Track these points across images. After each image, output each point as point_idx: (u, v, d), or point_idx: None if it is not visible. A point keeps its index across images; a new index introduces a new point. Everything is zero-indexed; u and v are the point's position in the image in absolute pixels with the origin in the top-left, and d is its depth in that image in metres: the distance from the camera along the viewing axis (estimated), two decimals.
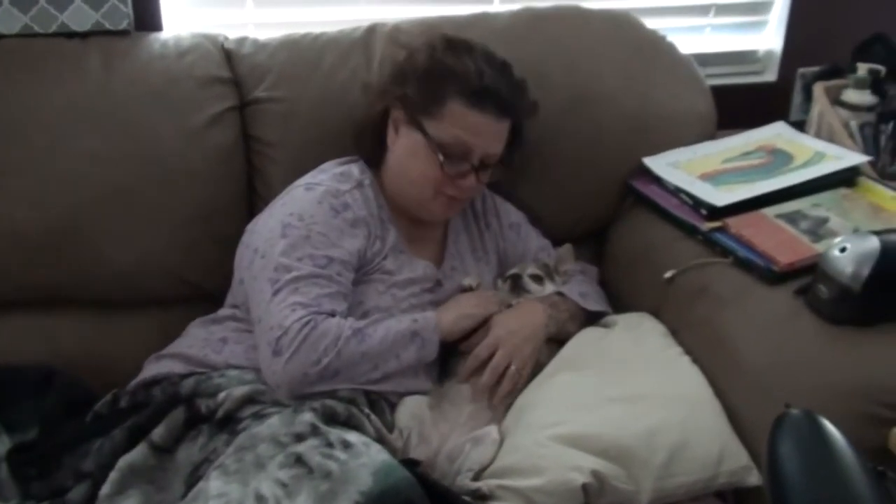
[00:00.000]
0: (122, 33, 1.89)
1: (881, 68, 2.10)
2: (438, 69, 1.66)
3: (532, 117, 1.77)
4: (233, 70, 1.90)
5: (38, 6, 1.83)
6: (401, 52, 1.80)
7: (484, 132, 1.66)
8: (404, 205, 1.72)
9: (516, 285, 1.76)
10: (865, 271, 1.44)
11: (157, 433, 1.46)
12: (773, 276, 1.61)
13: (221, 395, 1.49)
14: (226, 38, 1.96)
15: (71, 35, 1.86)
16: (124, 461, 1.43)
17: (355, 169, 1.72)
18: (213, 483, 1.33)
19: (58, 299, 1.82)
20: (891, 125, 2.08)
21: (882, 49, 2.19)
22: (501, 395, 1.61)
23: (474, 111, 1.63)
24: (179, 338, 1.71)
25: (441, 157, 1.63)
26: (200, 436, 1.47)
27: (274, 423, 1.41)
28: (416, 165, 1.67)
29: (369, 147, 1.75)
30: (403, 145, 1.68)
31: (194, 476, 1.41)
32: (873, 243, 1.46)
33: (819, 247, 1.63)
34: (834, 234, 1.67)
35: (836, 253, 1.48)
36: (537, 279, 1.78)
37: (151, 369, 1.64)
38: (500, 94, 1.66)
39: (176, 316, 1.79)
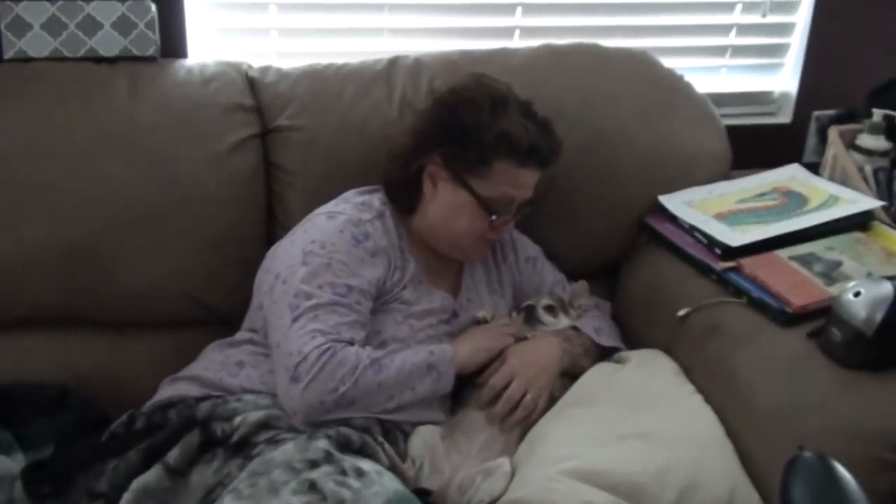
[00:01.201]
0: (149, 59, 1.92)
1: None
2: (487, 133, 1.64)
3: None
4: (256, 98, 1.92)
5: (68, 31, 1.87)
6: (429, 96, 1.83)
7: (528, 185, 1.71)
8: (436, 247, 1.74)
9: (530, 316, 1.78)
10: (879, 316, 1.45)
11: (172, 455, 1.47)
12: (787, 318, 1.62)
13: (237, 420, 1.50)
14: (250, 67, 1.98)
15: (99, 60, 1.89)
16: (138, 483, 1.44)
17: (376, 199, 1.74)
18: None
19: (75, 319, 1.83)
20: None
21: None
22: (514, 422, 1.62)
23: (522, 170, 1.68)
24: (196, 360, 1.72)
25: (492, 215, 1.67)
26: (215, 459, 1.48)
27: (289, 449, 1.42)
28: (462, 220, 1.69)
29: (404, 197, 1.74)
30: (447, 201, 1.69)
31: (208, 500, 1.42)
32: (887, 288, 1.47)
33: (832, 290, 1.64)
34: (847, 277, 1.68)
35: (850, 297, 1.49)
36: (552, 311, 1.79)
37: (167, 391, 1.66)
38: (542, 151, 1.70)
39: (192, 339, 1.80)
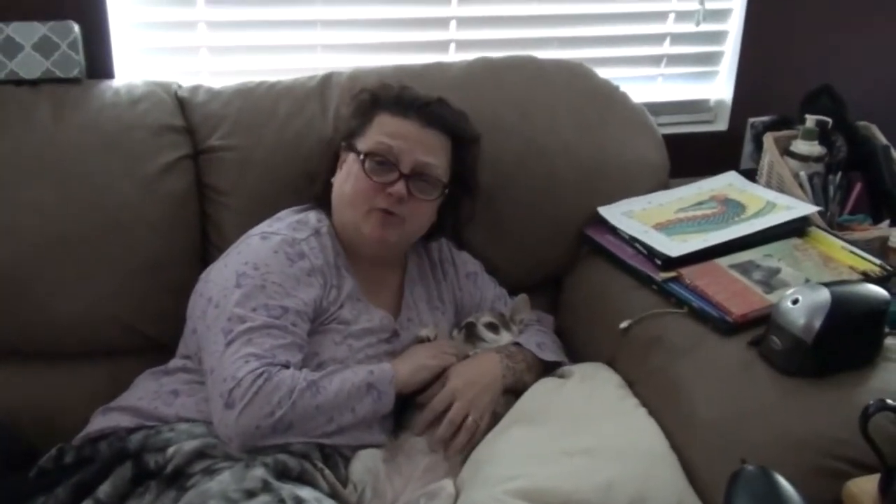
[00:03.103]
0: (74, 81, 1.87)
1: (828, 120, 2.15)
2: (368, 95, 1.74)
3: (473, 147, 1.78)
4: (186, 118, 1.88)
5: None
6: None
7: (408, 137, 1.66)
8: (348, 237, 1.69)
9: (471, 334, 1.76)
10: (817, 323, 1.45)
11: (103, 490, 1.43)
12: (727, 327, 1.62)
13: (171, 450, 1.46)
14: (179, 86, 1.94)
15: (20, 82, 1.84)
16: None
17: (312, 216, 1.71)
18: None
19: (1, 350, 1.78)
20: (839, 175, 2.12)
21: (829, 100, 2.24)
22: (458, 447, 1.59)
23: (397, 118, 1.68)
24: (128, 389, 1.67)
25: (367, 164, 1.64)
26: (148, 493, 1.43)
27: (224, 479, 1.38)
28: (349, 183, 1.67)
29: (321, 191, 1.75)
30: (343, 172, 1.70)
31: None
32: (824, 295, 1.47)
33: (772, 297, 1.65)
34: (786, 284, 1.69)
35: (789, 305, 1.50)
36: (493, 328, 1.77)
37: (98, 422, 1.60)
38: (422, 102, 1.70)
39: (125, 366, 1.75)
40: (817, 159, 2.09)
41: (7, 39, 1.82)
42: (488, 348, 1.74)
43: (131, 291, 1.79)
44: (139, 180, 1.79)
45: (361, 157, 1.65)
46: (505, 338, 1.78)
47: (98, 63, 1.95)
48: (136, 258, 1.79)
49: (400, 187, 1.63)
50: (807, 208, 1.91)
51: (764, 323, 1.56)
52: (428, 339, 1.72)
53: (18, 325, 1.75)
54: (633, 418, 1.61)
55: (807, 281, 1.69)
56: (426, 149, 1.67)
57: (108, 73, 1.98)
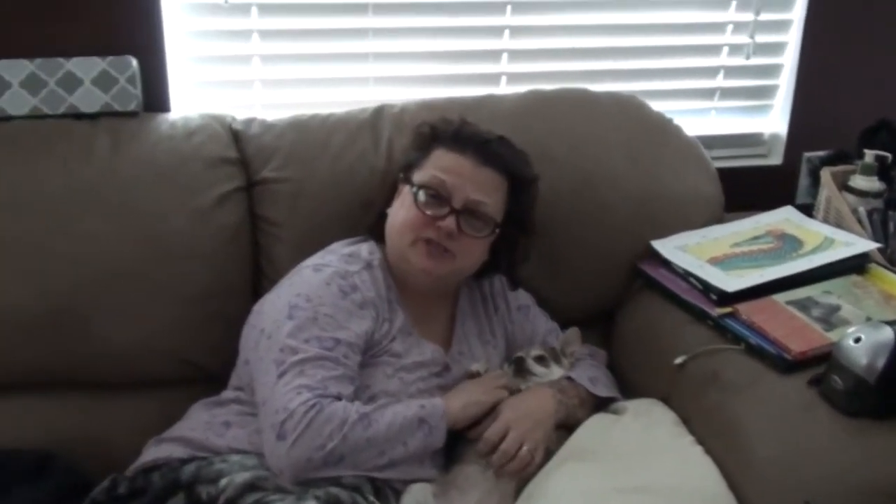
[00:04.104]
0: (131, 114, 1.90)
1: (888, 155, 2.11)
2: (428, 129, 1.75)
3: (530, 188, 1.76)
4: (240, 150, 1.90)
5: (48, 88, 1.85)
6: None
7: (462, 173, 1.66)
8: (399, 269, 1.69)
9: (520, 368, 1.74)
10: (881, 363, 1.42)
11: None
12: (786, 365, 1.59)
13: (223, 482, 1.46)
14: (234, 119, 1.97)
15: (80, 116, 1.87)
16: None
17: (364, 249, 1.71)
18: None
19: (56, 381, 1.79)
20: None
21: (887, 135, 2.19)
22: (511, 473, 1.58)
23: (454, 153, 1.67)
24: (181, 420, 1.68)
25: (420, 196, 1.64)
26: None
27: None
28: (401, 214, 1.67)
29: (375, 221, 1.75)
30: (397, 203, 1.71)
31: None
32: (888, 334, 1.44)
33: (832, 335, 1.61)
34: (846, 322, 1.66)
35: (851, 343, 1.47)
36: (542, 361, 1.75)
37: (151, 453, 1.61)
38: (480, 140, 1.70)
39: (178, 397, 1.76)
40: (876, 195, 2.05)
41: (67, 74, 1.86)
42: (540, 382, 1.72)
43: (184, 323, 1.80)
44: (193, 212, 1.80)
45: (415, 189, 1.65)
46: (555, 371, 1.75)
47: (155, 97, 1.98)
48: (190, 289, 1.80)
49: (450, 222, 1.62)
50: (866, 245, 1.87)
51: (823, 361, 1.53)
52: (478, 374, 1.71)
53: (72, 355, 1.77)
54: (688, 456, 1.58)
55: (868, 319, 1.65)
56: (479, 186, 1.66)
57: (164, 107, 2.01)
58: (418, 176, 1.67)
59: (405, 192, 1.68)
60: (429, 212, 1.63)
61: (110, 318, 1.75)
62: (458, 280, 1.77)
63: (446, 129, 1.73)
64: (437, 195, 1.64)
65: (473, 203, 1.65)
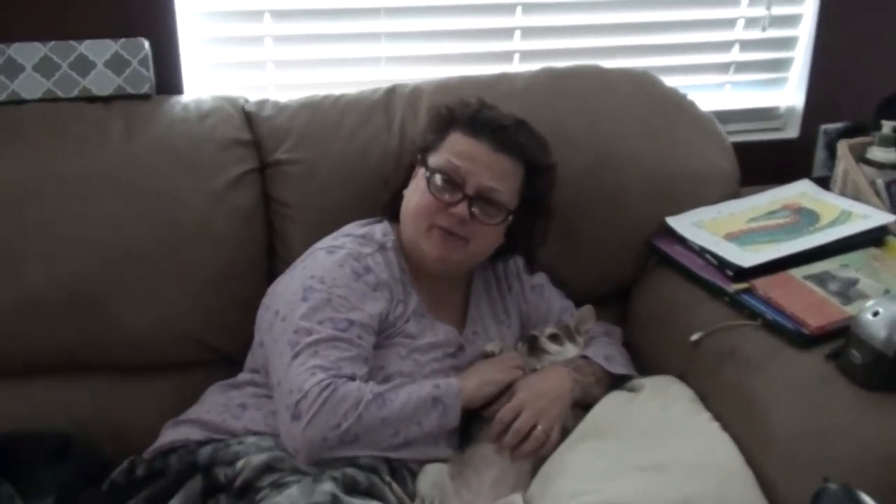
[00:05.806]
0: (144, 97, 1.90)
1: None
2: (446, 111, 1.72)
3: (547, 175, 1.75)
4: (253, 132, 1.90)
5: (61, 71, 1.85)
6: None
7: (477, 159, 1.64)
8: (412, 252, 1.68)
9: (534, 347, 1.73)
10: None
11: None
12: (804, 340, 1.58)
13: (240, 464, 1.47)
14: (246, 101, 1.96)
15: (93, 99, 1.87)
16: None
17: (378, 231, 1.71)
18: None
19: (75, 364, 1.80)
20: None
21: None
22: (523, 455, 1.58)
23: (469, 138, 1.65)
24: (197, 403, 1.69)
25: (433, 181, 1.63)
26: None
27: (293, 494, 1.38)
28: (415, 198, 1.66)
29: (391, 201, 1.75)
30: (413, 185, 1.70)
31: None
32: None
33: (850, 309, 1.60)
34: (864, 296, 1.64)
35: (869, 317, 1.45)
36: (556, 339, 1.75)
37: (169, 435, 1.62)
38: (497, 125, 1.67)
39: (194, 380, 1.77)
40: (894, 166, 2.03)
41: (80, 57, 1.86)
42: (554, 361, 1.72)
43: (199, 305, 1.81)
44: (207, 194, 1.80)
45: (429, 173, 1.64)
46: (569, 349, 1.75)
47: (167, 79, 1.98)
48: (205, 272, 1.80)
49: (462, 209, 1.62)
50: (885, 217, 1.85)
51: (842, 336, 1.52)
52: (493, 354, 1.71)
53: (90, 338, 1.77)
54: (706, 433, 1.58)
55: (886, 292, 1.64)
56: (493, 173, 1.64)
57: (177, 89, 2.01)
58: (433, 159, 1.66)
59: (420, 175, 1.68)
60: (442, 197, 1.62)
61: (126, 301, 1.76)
62: (473, 264, 1.76)
63: (463, 112, 1.70)
64: (451, 181, 1.63)
65: (487, 190, 1.64)
